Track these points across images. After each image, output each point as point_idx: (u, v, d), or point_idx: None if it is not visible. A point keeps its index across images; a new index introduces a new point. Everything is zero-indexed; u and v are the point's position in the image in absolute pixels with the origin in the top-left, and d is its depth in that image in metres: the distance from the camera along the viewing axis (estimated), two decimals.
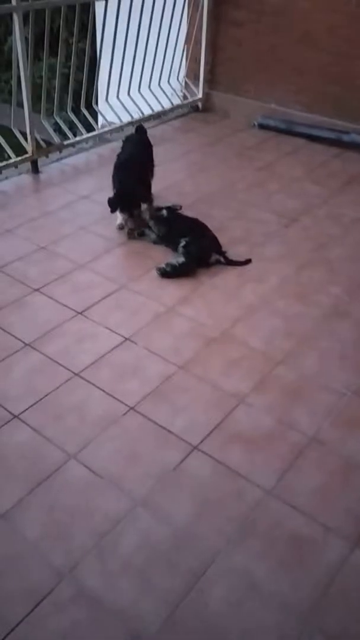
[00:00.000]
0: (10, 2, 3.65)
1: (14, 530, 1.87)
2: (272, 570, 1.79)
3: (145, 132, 3.80)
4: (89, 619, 1.66)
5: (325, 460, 2.13)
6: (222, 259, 3.16)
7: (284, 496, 2.00)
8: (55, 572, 1.76)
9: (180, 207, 3.41)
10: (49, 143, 4.30)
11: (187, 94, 5.35)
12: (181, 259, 3.08)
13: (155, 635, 1.63)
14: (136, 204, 3.33)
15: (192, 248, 3.10)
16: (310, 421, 2.28)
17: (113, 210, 3.34)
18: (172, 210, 3.37)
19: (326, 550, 1.85)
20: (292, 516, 1.94)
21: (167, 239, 3.27)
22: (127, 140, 3.69)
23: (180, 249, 3.12)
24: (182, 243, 3.12)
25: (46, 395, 2.35)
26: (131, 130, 4.81)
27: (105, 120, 4.87)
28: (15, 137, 4.13)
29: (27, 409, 2.29)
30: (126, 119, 4.84)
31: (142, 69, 4.93)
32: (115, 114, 4.85)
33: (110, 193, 3.36)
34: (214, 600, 1.71)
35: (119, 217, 3.44)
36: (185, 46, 5.17)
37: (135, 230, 3.38)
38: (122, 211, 3.36)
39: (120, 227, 3.44)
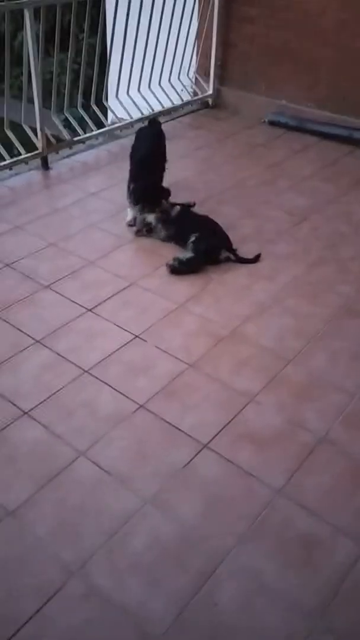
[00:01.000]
0: None
1: (24, 527, 1.88)
2: (281, 569, 1.79)
3: (160, 124, 3.77)
4: (98, 616, 1.66)
5: (335, 461, 2.12)
6: (232, 256, 3.15)
7: (293, 496, 1.99)
8: (65, 569, 1.77)
9: (194, 204, 3.39)
10: (59, 139, 4.30)
11: (197, 90, 5.33)
12: (189, 254, 3.08)
13: (164, 633, 1.63)
14: (160, 199, 3.31)
15: (200, 244, 3.10)
16: (320, 421, 2.27)
17: (137, 202, 3.32)
18: (186, 207, 3.35)
19: (335, 550, 1.84)
20: (301, 516, 1.93)
21: (177, 237, 3.26)
22: (142, 133, 3.65)
23: (190, 245, 3.11)
24: (192, 239, 3.11)
25: (56, 392, 2.36)
26: (141, 126, 4.81)
27: (115, 116, 4.86)
28: (26, 133, 4.14)
29: (37, 406, 2.29)
30: (136, 115, 4.83)
31: (152, 65, 4.91)
32: (125, 110, 4.84)
33: (120, 189, 3.36)
34: (223, 599, 1.71)
35: (129, 213, 3.43)
36: (196, 42, 5.15)
37: (143, 228, 3.37)
38: (145, 204, 3.32)
39: (130, 224, 3.44)
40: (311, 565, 1.80)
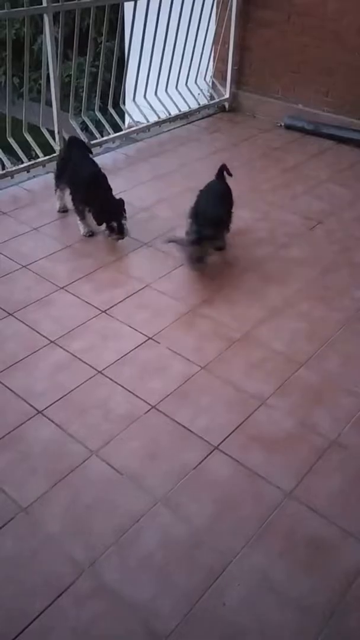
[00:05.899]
0: (41, 3, 3.71)
1: (36, 524, 1.91)
2: (291, 571, 1.80)
3: (77, 138, 3.80)
4: (107, 613, 1.69)
5: (345, 464, 2.13)
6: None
7: (303, 498, 2.00)
8: (76, 566, 1.79)
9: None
10: None
11: (214, 94, 5.36)
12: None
13: (173, 631, 1.65)
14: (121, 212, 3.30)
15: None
16: (331, 424, 2.28)
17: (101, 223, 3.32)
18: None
19: (345, 553, 1.85)
20: (311, 519, 1.94)
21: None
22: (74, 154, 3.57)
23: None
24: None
25: (70, 392, 2.39)
26: (158, 129, 4.86)
27: (132, 120, 4.90)
28: (44, 135, 4.19)
29: (51, 405, 2.33)
30: (153, 119, 4.87)
31: (169, 69, 4.95)
32: (142, 113, 4.88)
33: (136, 192, 3.39)
34: (232, 599, 1.73)
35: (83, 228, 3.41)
36: (213, 46, 5.18)
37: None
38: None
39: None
40: (320, 567, 1.81)
